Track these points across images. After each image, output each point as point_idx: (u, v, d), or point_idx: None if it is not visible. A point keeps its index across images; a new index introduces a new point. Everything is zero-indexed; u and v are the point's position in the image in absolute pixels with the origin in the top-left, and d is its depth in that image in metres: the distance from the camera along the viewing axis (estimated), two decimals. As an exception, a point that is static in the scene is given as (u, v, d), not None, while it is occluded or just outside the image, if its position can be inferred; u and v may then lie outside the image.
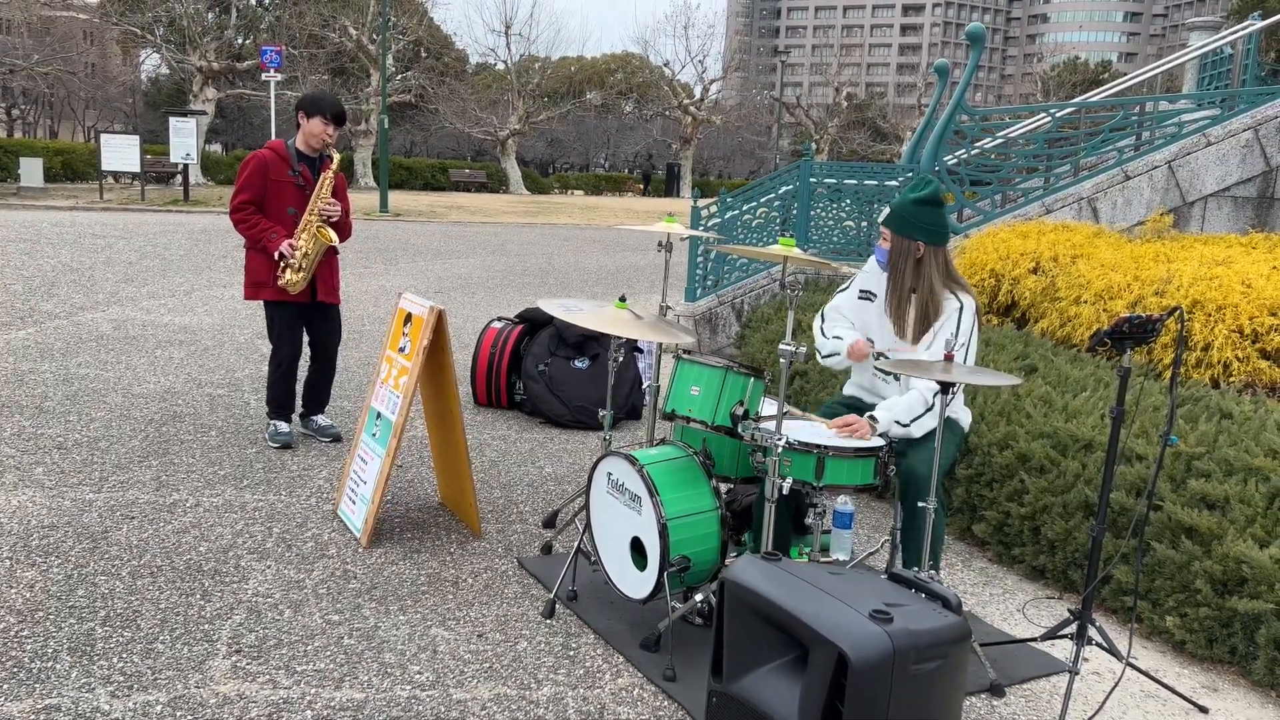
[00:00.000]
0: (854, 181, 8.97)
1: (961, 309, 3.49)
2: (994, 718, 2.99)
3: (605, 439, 3.84)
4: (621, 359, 3.93)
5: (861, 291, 3.74)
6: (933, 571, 3.17)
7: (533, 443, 5.64)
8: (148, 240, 15.13)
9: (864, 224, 8.63)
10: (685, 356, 3.24)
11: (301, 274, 4.95)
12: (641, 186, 52.10)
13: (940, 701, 1.87)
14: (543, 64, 46.17)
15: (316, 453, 5.14)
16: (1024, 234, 7.20)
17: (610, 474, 3.39)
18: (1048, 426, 4.21)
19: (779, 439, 2.92)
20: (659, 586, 3.17)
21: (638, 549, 3.28)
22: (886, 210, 3.50)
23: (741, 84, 79.32)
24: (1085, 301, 5.42)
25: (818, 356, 3.87)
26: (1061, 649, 3.43)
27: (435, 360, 4.11)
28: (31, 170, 24.24)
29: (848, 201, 8.85)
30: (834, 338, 3.76)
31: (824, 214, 8.96)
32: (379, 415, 4.19)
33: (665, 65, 48.83)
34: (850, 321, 3.81)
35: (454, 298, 11.19)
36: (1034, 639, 3.35)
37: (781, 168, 9.34)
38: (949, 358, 3.01)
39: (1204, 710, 3.10)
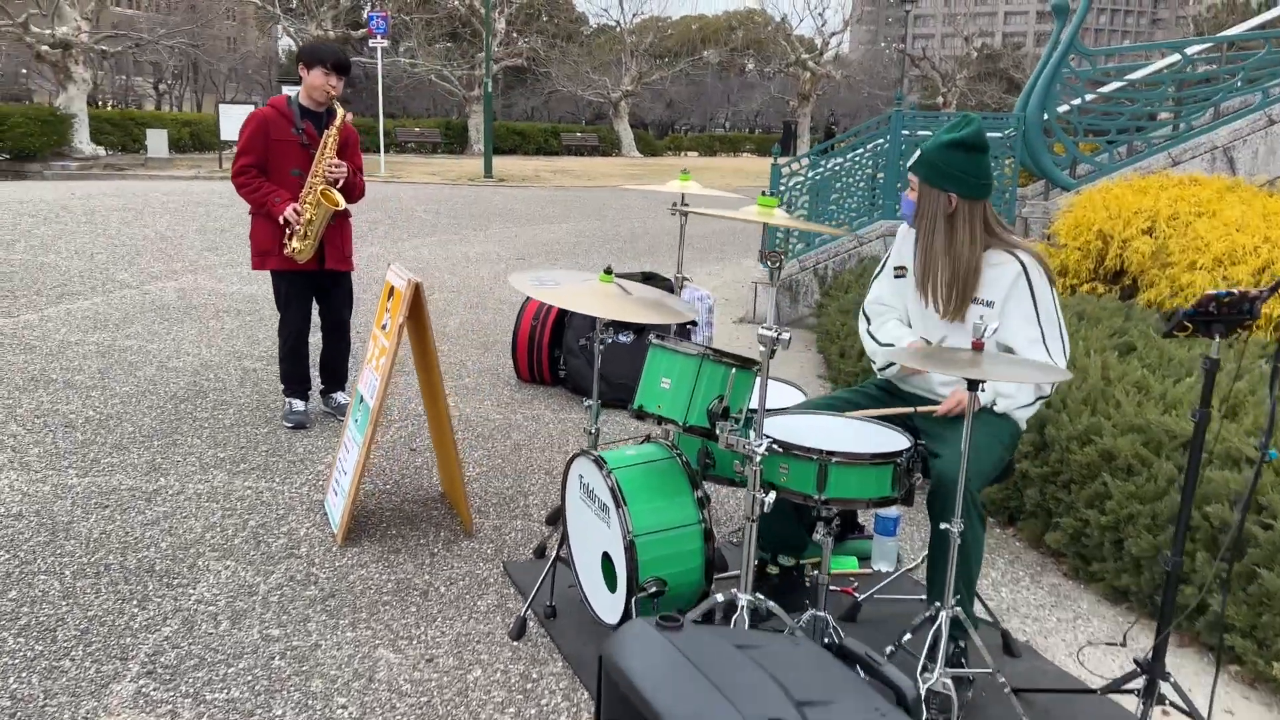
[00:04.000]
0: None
1: (1024, 272, 2.80)
2: (1033, 792, 2.39)
3: (589, 431, 3.35)
4: (610, 340, 3.41)
5: (896, 269, 3.08)
6: (958, 610, 2.56)
7: (567, 424, 5.19)
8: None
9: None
10: (656, 341, 2.69)
11: (308, 241, 4.60)
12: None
13: None
14: (662, 23, 45.16)
15: (331, 433, 4.82)
16: (1142, 189, 6.31)
17: (581, 477, 2.91)
18: (1139, 419, 3.51)
19: (758, 445, 2.36)
20: (628, 612, 2.68)
21: (609, 565, 2.79)
22: (916, 154, 2.83)
23: (869, 37, 76.48)
24: (1201, 267, 4.60)
25: (874, 368, 3.20)
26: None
27: (417, 337, 3.69)
28: (157, 141, 25.08)
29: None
30: (886, 344, 3.05)
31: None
32: (361, 399, 3.81)
33: (783, 19, 47.16)
34: (897, 311, 3.14)
35: (535, 264, 10.82)
36: (1094, 690, 2.72)
37: (870, 120, 8.53)
38: (978, 346, 2.39)
39: (1314, 795, 2.43)
